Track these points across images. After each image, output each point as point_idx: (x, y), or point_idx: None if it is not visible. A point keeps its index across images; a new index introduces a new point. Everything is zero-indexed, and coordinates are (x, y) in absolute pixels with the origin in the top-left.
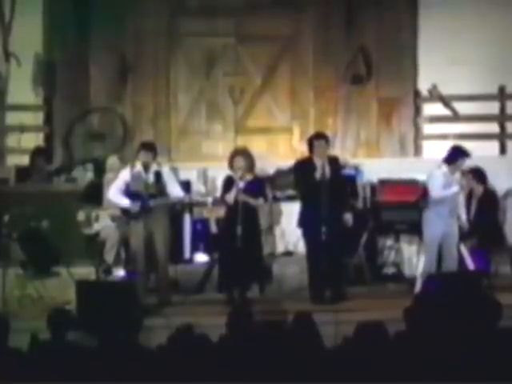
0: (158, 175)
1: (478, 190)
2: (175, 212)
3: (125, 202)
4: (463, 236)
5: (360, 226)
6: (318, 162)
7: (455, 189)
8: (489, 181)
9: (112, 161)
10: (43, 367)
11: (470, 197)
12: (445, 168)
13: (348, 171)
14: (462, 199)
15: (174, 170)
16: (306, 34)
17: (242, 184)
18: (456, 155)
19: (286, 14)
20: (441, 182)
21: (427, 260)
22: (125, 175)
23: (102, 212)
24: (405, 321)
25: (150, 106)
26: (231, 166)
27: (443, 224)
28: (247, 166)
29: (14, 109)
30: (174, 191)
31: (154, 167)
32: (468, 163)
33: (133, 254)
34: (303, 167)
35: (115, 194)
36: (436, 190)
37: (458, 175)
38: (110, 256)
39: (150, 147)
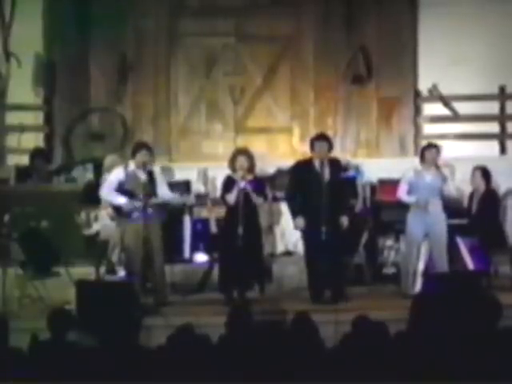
0: (151, 175)
1: (481, 187)
2: (174, 212)
3: (121, 200)
4: (463, 234)
5: (360, 225)
6: (318, 162)
7: (412, 199)
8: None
9: (109, 160)
10: (43, 367)
11: (472, 195)
12: (419, 167)
13: (349, 172)
14: (452, 188)
15: (166, 171)
16: (306, 33)
17: (243, 184)
18: (422, 150)
19: (286, 14)
20: (407, 185)
21: (404, 259)
22: (119, 174)
23: (101, 212)
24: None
25: (150, 106)
26: (233, 165)
27: (422, 224)
28: (249, 165)
29: (14, 109)
30: (163, 192)
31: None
32: (468, 163)
33: (128, 254)
34: (301, 168)
35: (110, 193)
36: (399, 193)
37: (444, 171)
38: (115, 255)
39: (149, 147)
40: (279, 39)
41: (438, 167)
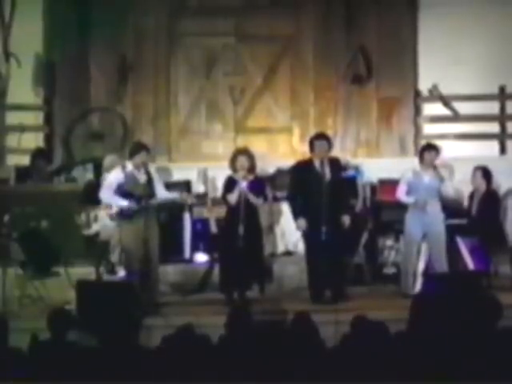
0: (149, 174)
1: (482, 187)
2: (174, 212)
3: (122, 202)
4: (463, 234)
5: (360, 225)
6: (318, 162)
7: (411, 199)
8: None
9: (109, 160)
10: (43, 367)
11: (472, 195)
12: (417, 168)
13: (348, 171)
14: (450, 188)
15: (164, 171)
16: (305, 33)
17: (244, 184)
18: (421, 151)
19: (286, 14)
20: (406, 186)
21: (403, 259)
22: (117, 175)
23: (100, 212)
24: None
25: (150, 106)
26: (233, 166)
27: (420, 224)
28: (250, 165)
29: (14, 109)
30: (161, 192)
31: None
32: (468, 163)
33: (127, 254)
34: (302, 169)
35: (111, 195)
36: (399, 194)
37: (442, 171)
38: (114, 255)
39: (148, 148)
40: (279, 39)
41: (435, 167)
